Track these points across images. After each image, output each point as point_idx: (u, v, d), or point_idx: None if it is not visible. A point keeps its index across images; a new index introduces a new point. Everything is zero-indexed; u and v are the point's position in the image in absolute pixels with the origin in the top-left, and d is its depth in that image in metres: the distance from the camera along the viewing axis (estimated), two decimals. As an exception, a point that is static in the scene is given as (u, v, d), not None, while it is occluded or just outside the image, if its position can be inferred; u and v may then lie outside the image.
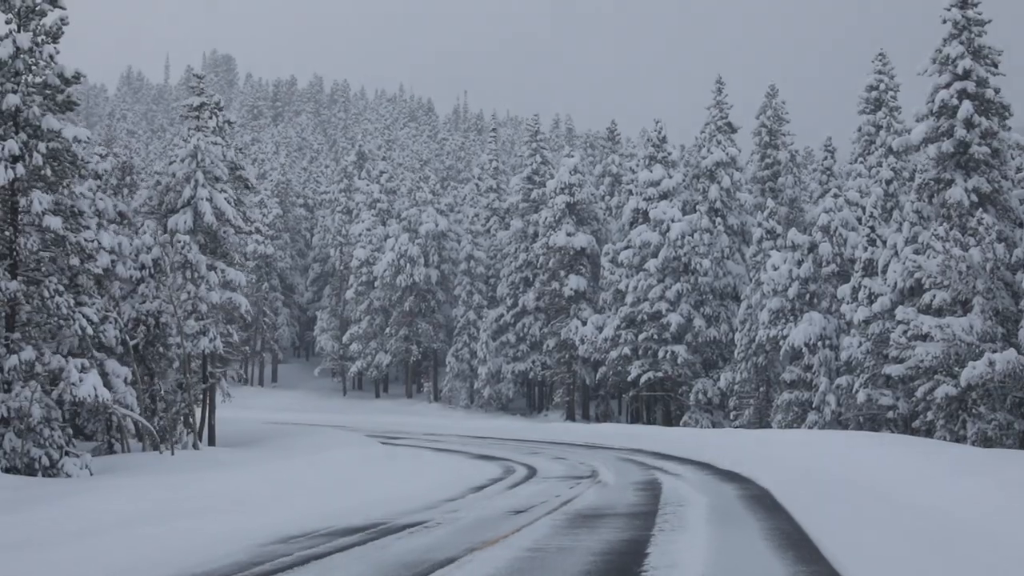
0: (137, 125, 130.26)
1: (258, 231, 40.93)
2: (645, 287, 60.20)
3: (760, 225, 56.73)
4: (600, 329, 63.48)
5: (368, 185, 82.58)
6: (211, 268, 37.87)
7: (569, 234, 66.70)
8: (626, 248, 62.46)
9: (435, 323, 77.66)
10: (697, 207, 60.57)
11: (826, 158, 60.25)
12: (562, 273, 67.23)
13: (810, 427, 51.49)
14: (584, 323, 65.05)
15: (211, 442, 41.22)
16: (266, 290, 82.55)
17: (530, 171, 72.93)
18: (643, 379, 60.04)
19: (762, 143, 66.19)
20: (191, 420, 37.10)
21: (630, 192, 64.46)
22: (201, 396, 40.61)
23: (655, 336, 59.81)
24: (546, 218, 67.59)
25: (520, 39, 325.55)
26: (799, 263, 52.64)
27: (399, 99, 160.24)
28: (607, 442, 46.20)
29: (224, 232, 39.40)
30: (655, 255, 60.48)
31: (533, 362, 71.38)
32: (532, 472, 32.03)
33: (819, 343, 51.31)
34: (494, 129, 79.77)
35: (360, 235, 78.56)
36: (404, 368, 79.75)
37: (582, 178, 67.69)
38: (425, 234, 75.93)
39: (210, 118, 39.53)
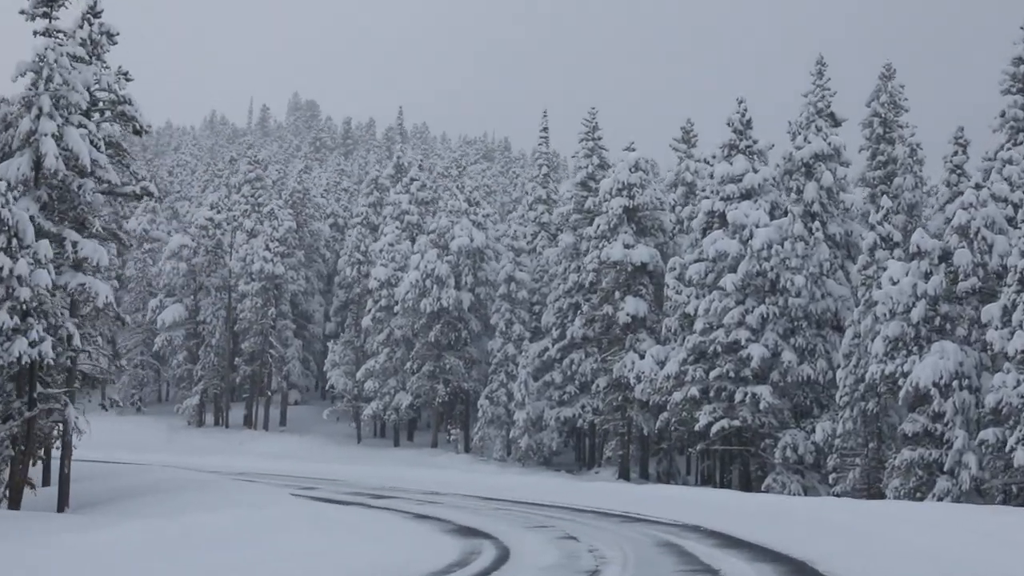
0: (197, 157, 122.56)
1: (147, 193, 29.32)
2: (719, 310, 47.78)
3: (873, 229, 44.08)
4: (661, 364, 51.08)
5: (397, 195, 71.27)
6: (51, 237, 26.44)
7: (627, 246, 54.55)
8: (697, 261, 50.16)
9: (467, 358, 65.77)
10: (789, 210, 48.03)
11: (956, 153, 47.51)
12: (617, 295, 55.07)
13: (939, 497, 38.62)
14: (642, 356, 52.68)
15: (62, 500, 29.84)
16: (273, 316, 71.38)
17: (585, 175, 60.98)
18: (714, 429, 47.52)
19: (873, 136, 53.63)
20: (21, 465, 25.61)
21: (703, 194, 52.12)
22: (54, 431, 29.14)
23: (731, 374, 47.31)
24: (599, 226, 55.52)
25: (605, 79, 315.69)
26: (926, 276, 40.02)
27: (479, 141, 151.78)
28: (654, 512, 33.84)
29: (81, 187, 27.94)
30: (733, 269, 48.11)
31: (583, 407, 59.07)
32: (501, 560, 20.07)
33: (954, 383, 38.64)
34: (544, 129, 68.13)
35: (381, 251, 67.11)
36: (431, 412, 67.84)
37: (645, 177, 55.55)
38: (457, 250, 64.28)
39: (80, 27, 28.21)
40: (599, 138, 62.11)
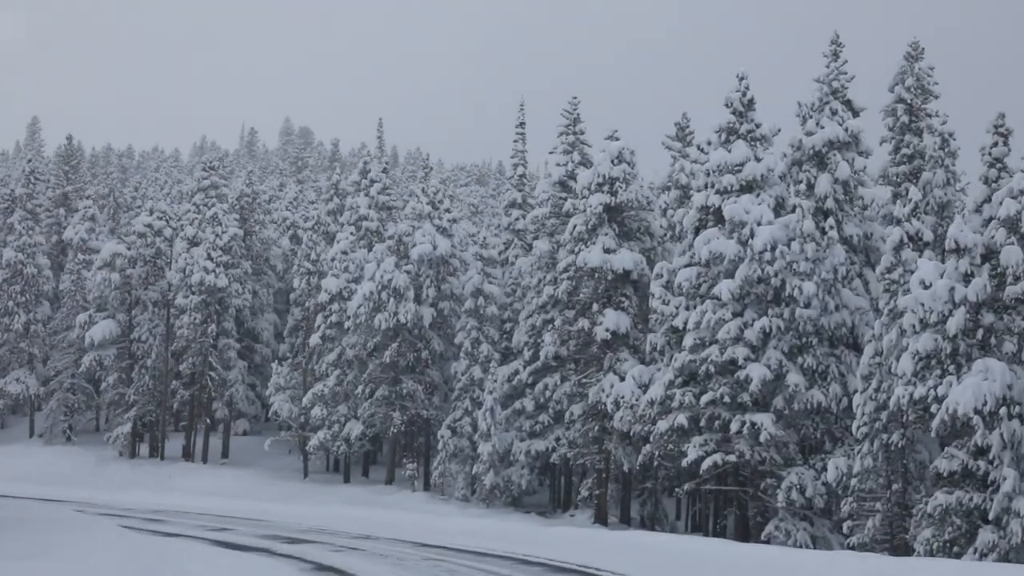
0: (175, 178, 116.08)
1: None
2: (713, 323, 40.73)
3: (899, 224, 37.05)
4: (644, 388, 43.98)
5: (354, 198, 64.33)
6: None
7: (608, 250, 47.55)
8: (687, 265, 43.09)
9: (427, 382, 58.62)
10: (797, 205, 40.98)
11: (996, 144, 40.40)
12: (595, 307, 47.96)
13: (983, 553, 31.60)
14: (623, 378, 45.57)
15: None
16: (213, 334, 64.27)
17: (563, 174, 54.00)
18: (705, 465, 40.35)
19: (897, 126, 46.59)
20: None
21: (696, 187, 45.03)
22: None
23: (726, 399, 40.22)
24: (575, 227, 48.50)
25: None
26: (966, 278, 33.15)
27: (473, 167, 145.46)
28: (625, 567, 26.81)
29: None
30: (730, 275, 41.12)
31: (557, 439, 51.87)
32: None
33: (1001, 410, 31.69)
34: (521, 124, 60.99)
35: (334, 260, 60.00)
36: (388, 444, 60.55)
37: (630, 171, 48.55)
38: (418, 259, 57.25)
39: None
40: (581, 132, 55.14)
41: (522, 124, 60.92)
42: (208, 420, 65.36)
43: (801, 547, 38.31)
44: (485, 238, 58.37)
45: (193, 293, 63.53)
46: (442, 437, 55.25)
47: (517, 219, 60.33)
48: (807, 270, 39.64)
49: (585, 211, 48.10)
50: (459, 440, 55.46)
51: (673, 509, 54.50)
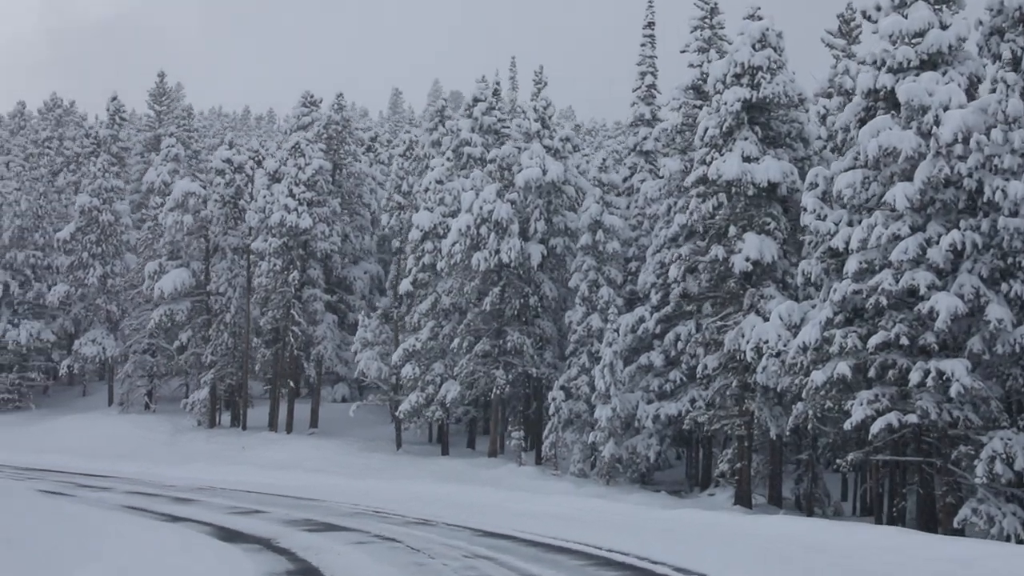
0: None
1: None
2: (884, 240, 31.83)
3: None
4: (794, 329, 35.23)
5: (456, 120, 56.61)
6: None
7: (748, 158, 38.82)
8: (850, 168, 34.14)
9: (536, 335, 50.69)
10: (999, 82, 31.60)
11: None
12: (732, 231, 39.26)
13: None
14: (767, 319, 36.89)
15: None
16: (296, 283, 57.33)
17: (697, 76, 45.35)
18: (876, 428, 31.56)
19: None
20: None
21: (861, 66, 35.83)
22: None
23: (903, 341, 31.32)
24: (706, 131, 39.83)
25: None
26: None
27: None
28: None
29: None
30: (908, 176, 32.17)
31: (692, 401, 43.45)
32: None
33: None
34: (650, 24, 52.19)
35: (427, 190, 52.40)
36: (492, 409, 52.74)
37: (776, 58, 39.60)
38: (524, 185, 49.26)
39: None
40: (719, 25, 46.41)
41: (651, 24, 52.20)
42: (292, 383, 58.56)
43: (1009, 538, 29.32)
44: (605, 160, 49.96)
45: (272, 235, 56.75)
46: (553, 400, 47.31)
47: (645, 139, 51.84)
48: (1013, 166, 30.40)
49: (719, 110, 39.37)
50: (575, 403, 47.50)
51: (837, 486, 45.60)
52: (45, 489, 38.90)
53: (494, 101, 57.72)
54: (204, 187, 61.28)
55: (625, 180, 52.50)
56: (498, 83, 58.65)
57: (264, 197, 58.07)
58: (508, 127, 56.60)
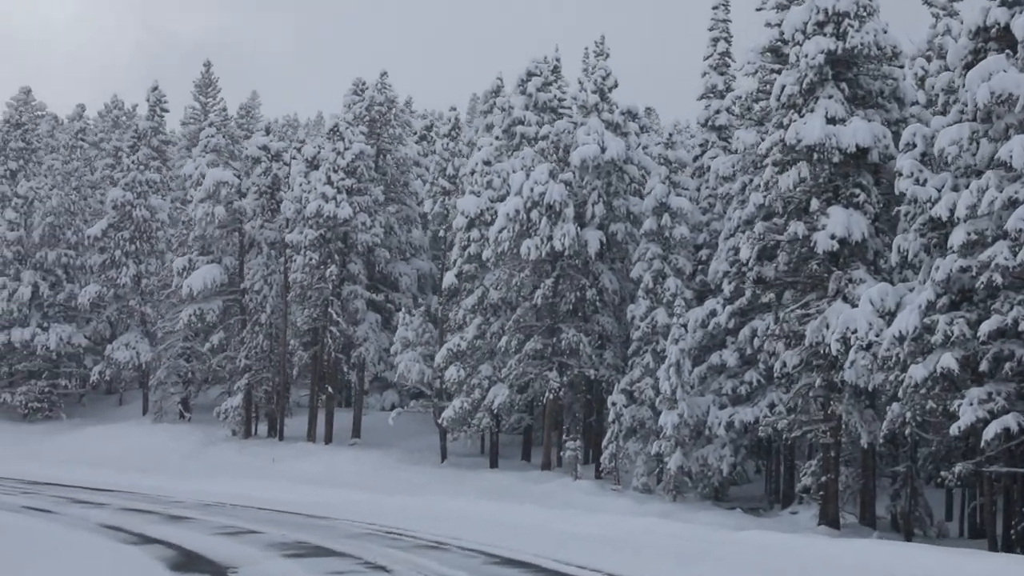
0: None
1: None
2: (998, 205, 26.76)
3: None
4: (888, 317, 30.20)
5: (508, 97, 52.13)
6: None
7: (833, 119, 33.82)
8: (954, 123, 29.07)
9: (595, 332, 46.00)
10: None
11: None
12: (814, 204, 34.24)
13: None
14: (855, 305, 31.86)
15: None
16: (333, 278, 53.15)
17: (776, 36, 40.36)
18: (989, 433, 26.43)
19: None
20: None
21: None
22: None
23: (1021, 326, 26.16)
24: (783, 89, 34.90)
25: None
26: None
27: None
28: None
29: None
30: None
31: (771, 405, 38.50)
32: None
33: None
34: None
35: (473, 172, 47.96)
36: (545, 416, 48.04)
37: (865, 2, 34.51)
38: (581, 164, 44.65)
39: None
40: (799, -24, 41.51)
41: (722, -9, 47.44)
42: (330, 389, 54.34)
43: None
44: (671, 135, 45.16)
45: (309, 227, 52.65)
46: (614, 405, 42.61)
47: (717, 112, 46.96)
48: None
49: (798, 63, 34.42)
50: (638, 409, 42.77)
51: (940, 504, 40.21)
52: (33, 506, 35.16)
53: (551, 77, 53.13)
54: (238, 176, 57.45)
55: (695, 159, 47.68)
56: (558, 59, 54.01)
57: (300, 185, 54.08)
58: (569, 109, 51.92)
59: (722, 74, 47.65)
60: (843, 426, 34.31)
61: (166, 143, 74.79)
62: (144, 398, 65.84)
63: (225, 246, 58.31)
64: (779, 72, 39.28)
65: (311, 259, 52.87)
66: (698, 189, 46.54)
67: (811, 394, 35.08)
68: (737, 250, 39.95)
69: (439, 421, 47.89)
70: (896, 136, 34.68)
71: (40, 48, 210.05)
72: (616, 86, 47.90)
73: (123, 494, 40.63)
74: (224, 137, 61.84)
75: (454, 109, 53.36)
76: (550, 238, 44.14)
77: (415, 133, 65.45)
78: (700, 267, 44.81)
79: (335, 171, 53.29)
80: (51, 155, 72.83)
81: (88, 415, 68.20)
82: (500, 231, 44.74)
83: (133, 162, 66.15)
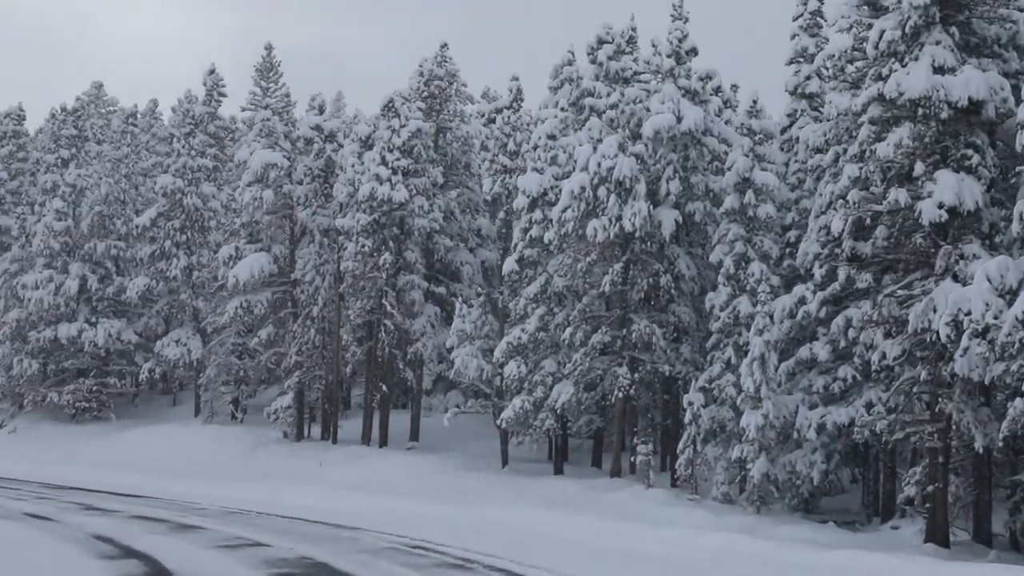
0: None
1: None
2: None
3: None
4: (1009, 295, 25.87)
5: (575, 66, 48.28)
6: None
7: (941, 68, 29.47)
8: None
9: (670, 323, 41.92)
10: None
11: None
12: (918, 167, 29.88)
13: None
14: (967, 283, 27.51)
15: None
16: (388, 267, 49.63)
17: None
18: None
19: None
20: None
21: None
22: None
23: None
24: (882, 34, 30.60)
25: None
26: None
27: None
28: None
29: None
30: None
31: (869, 405, 34.15)
32: None
33: None
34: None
35: (536, 148, 44.15)
36: (614, 417, 43.94)
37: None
38: (654, 136, 40.62)
39: None
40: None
41: (816, -66, 43.06)
42: (384, 388, 50.77)
43: None
44: (756, 102, 40.95)
45: (362, 211, 49.22)
46: (690, 404, 38.51)
47: (807, 79, 42.60)
48: None
49: (900, 4, 30.10)
50: (717, 409, 38.67)
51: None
52: (35, 512, 32.03)
53: (626, 47, 49.12)
54: (288, 158, 54.22)
55: (783, 132, 43.39)
56: (633, 29, 49.96)
57: (353, 167, 50.71)
58: (647, 83, 47.80)
59: (813, 36, 43.25)
60: (953, 427, 29.82)
61: (224, 130, 72.04)
62: (196, 398, 62.87)
63: (274, 233, 55.13)
64: (877, 15, 34.98)
65: (364, 246, 49.38)
66: (786, 164, 42.21)
67: (915, 391, 30.66)
68: (829, 229, 35.72)
69: (497, 422, 44.06)
70: (1016, 89, 30.21)
71: (143, 57, 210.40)
72: (695, 52, 43.85)
73: (146, 500, 37.49)
74: (284, 124, 58.68)
75: (516, 79, 49.62)
76: (619, 218, 40.13)
77: (482, 115, 61.76)
78: (788, 250, 40.48)
79: (390, 150, 49.79)
80: (100, 145, 70.37)
81: (139, 416, 65.44)
82: (564, 211, 40.86)
83: (184, 147, 63.39)
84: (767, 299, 36.64)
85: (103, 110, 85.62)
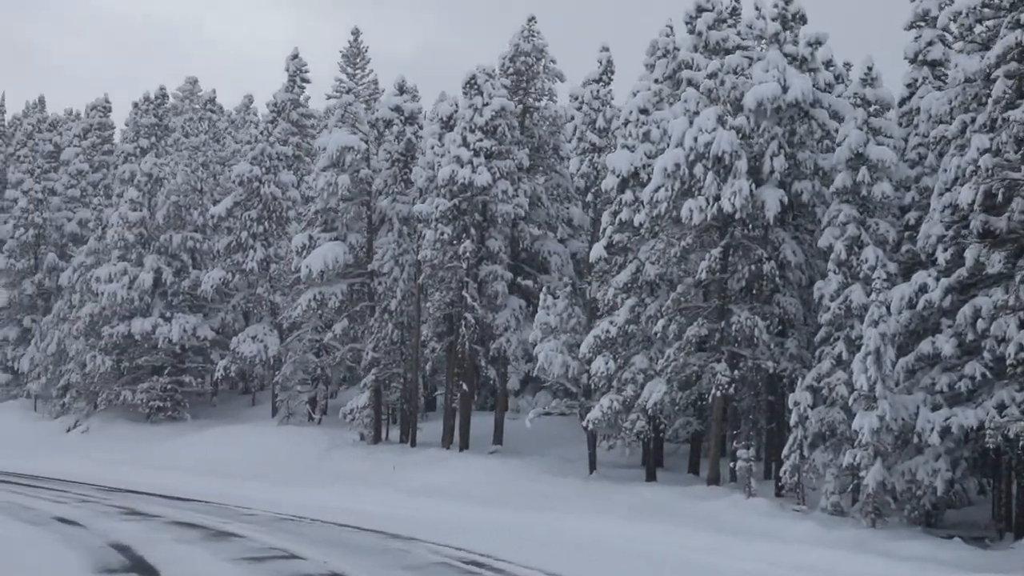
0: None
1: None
2: None
3: None
4: None
5: (670, 38, 44.95)
6: None
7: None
8: None
9: (774, 315, 38.39)
10: None
11: None
12: (1063, 128, 26.21)
13: None
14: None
15: None
16: (468, 257, 46.70)
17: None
18: None
19: None
20: None
21: None
22: None
23: None
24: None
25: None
26: None
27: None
28: None
29: None
30: None
31: (1001, 407, 30.39)
32: None
33: None
34: None
35: (627, 123, 40.86)
36: (711, 419, 40.44)
37: None
38: (757, 107, 37.11)
39: None
40: None
41: None
42: (465, 387, 47.81)
43: None
44: (871, 69, 37.23)
45: (441, 196, 46.37)
46: (796, 405, 34.96)
47: (930, 44, 38.73)
48: None
49: (1039, -60, 26.50)
50: (827, 411, 35.08)
51: None
52: (66, 517, 29.95)
53: (729, 18, 45.62)
54: (365, 141, 51.57)
55: (901, 103, 39.59)
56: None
57: (433, 149, 47.93)
58: (749, 51, 44.27)
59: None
60: (1103, 431, 26.11)
61: (306, 116, 69.81)
62: (273, 397, 60.51)
63: (350, 221, 52.50)
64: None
65: (443, 233, 46.48)
66: (904, 139, 38.42)
67: (1056, 388, 26.94)
68: (955, 207, 32.04)
69: (584, 424, 40.85)
70: None
71: (249, 67, 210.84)
72: (803, 19, 40.23)
73: (198, 504, 35.10)
74: (370, 111, 56.10)
75: (606, 49, 46.25)
76: (717, 198, 36.70)
77: (576, 99, 58.48)
78: (907, 233, 36.70)
79: (471, 131, 46.86)
80: (188, 138, 68.53)
81: (216, 416, 63.38)
82: (656, 190, 37.54)
83: (262, 133, 61.14)
84: (883, 287, 32.96)
85: (196, 106, 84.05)
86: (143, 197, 63.19)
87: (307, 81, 69.54)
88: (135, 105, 72.49)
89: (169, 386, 61.91)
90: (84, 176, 78.80)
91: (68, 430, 63.62)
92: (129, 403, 61.70)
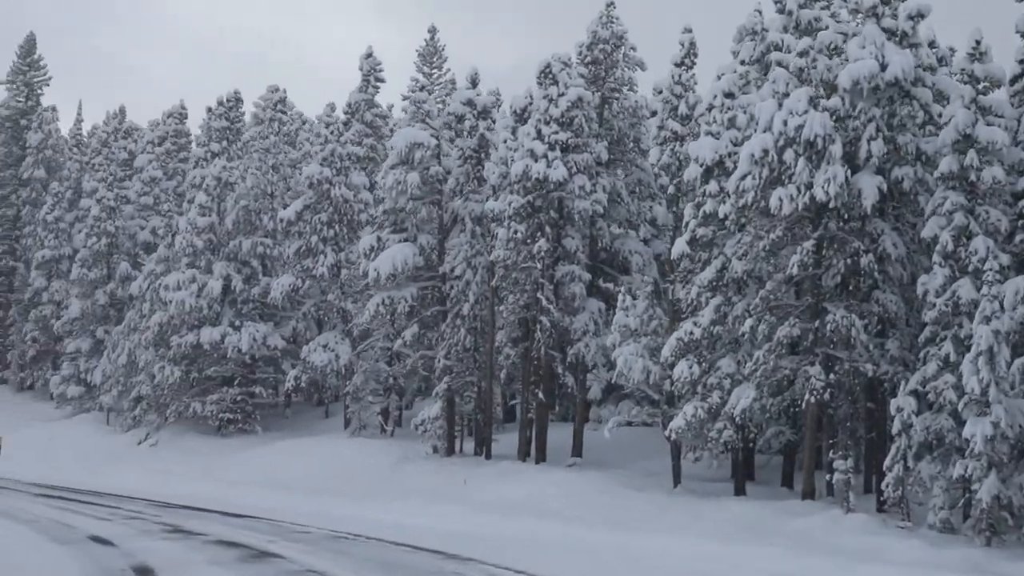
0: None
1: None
2: None
3: None
4: None
5: (759, 16, 42.24)
6: None
7: None
8: None
9: (872, 314, 35.47)
10: None
11: None
12: None
13: None
14: None
15: None
16: (543, 256, 44.27)
17: None
18: None
19: None
20: None
21: None
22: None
23: None
24: None
25: None
26: None
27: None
28: None
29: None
30: None
31: None
32: None
33: None
34: None
35: (711, 109, 38.21)
36: (806, 428, 37.55)
37: None
38: (852, 87, 34.29)
39: None
40: None
41: None
42: (540, 394, 45.37)
43: None
44: (979, 43, 34.26)
45: (515, 192, 44.06)
46: (900, 411, 32.07)
47: (1042, 15, 35.67)
48: None
49: None
50: (934, 417, 32.15)
51: None
52: (101, 535, 28.12)
53: (823, -2, 42.73)
54: (436, 138, 49.43)
55: (1013, 81, 36.51)
56: None
57: (506, 143, 45.64)
58: (843, 28, 41.37)
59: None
60: None
61: (382, 117, 68.04)
62: (344, 409, 58.55)
63: (420, 222, 50.36)
64: None
65: (516, 232, 44.10)
66: (1017, 120, 35.33)
67: None
68: (1076, 191, 29.04)
69: (666, 433, 38.18)
70: None
71: (338, 73, 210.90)
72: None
73: (252, 520, 33.15)
74: (444, 109, 54.03)
75: (689, 31, 43.56)
76: (809, 186, 33.93)
77: (659, 92, 55.87)
78: (1020, 222, 33.70)
79: (546, 123, 44.50)
80: (243, 136, 67.18)
81: (288, 429, 61.57)
82: (742, 178, 34.87)
83: (333, 132, 59.29)
84: (995, 281, 30.10)
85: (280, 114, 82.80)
86: (212, 202, 61.77)
87: (381, 80, 67.86)
88: (209, 110, 71.20)
89: (239, 397, 60.25)
90: (158, 183, 77.81)
91: (138, 443, 62.27)
92: (199, 415, 60.17)
